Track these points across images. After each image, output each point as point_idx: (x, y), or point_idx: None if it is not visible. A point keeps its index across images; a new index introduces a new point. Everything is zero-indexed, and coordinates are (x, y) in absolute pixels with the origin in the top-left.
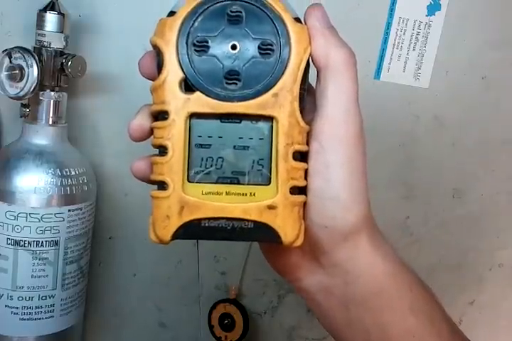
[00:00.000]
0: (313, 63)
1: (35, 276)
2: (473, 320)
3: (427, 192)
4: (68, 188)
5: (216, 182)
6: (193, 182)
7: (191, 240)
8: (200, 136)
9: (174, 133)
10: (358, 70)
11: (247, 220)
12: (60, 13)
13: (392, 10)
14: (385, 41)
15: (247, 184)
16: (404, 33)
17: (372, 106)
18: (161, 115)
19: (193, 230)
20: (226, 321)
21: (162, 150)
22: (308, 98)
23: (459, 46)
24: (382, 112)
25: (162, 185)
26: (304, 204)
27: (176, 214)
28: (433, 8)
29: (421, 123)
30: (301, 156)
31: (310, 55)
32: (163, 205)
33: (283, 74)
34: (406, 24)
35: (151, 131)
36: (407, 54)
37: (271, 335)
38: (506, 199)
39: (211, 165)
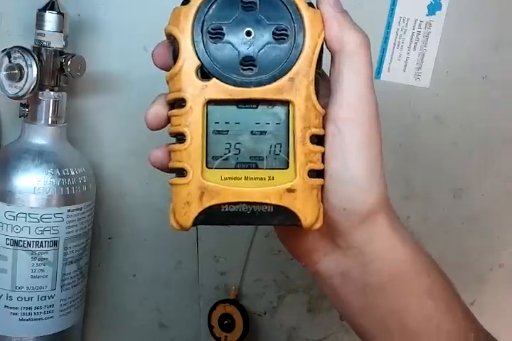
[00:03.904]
0: (328, 47)
1: (35, 277)
2: None
3: (427, 192)
4: (68, 188)
5: (235, 168)
6: (211, 168)
7: (191, 240)
8: (217, 123)
9: (192, 120)
10: None
11: (267, 204)
12: (59, 12)
13: (392, 9)
14: (386, 41)
15: (266, 168)
16: (404, 33)
17: None
18: (177, 103)
19: (213, 216)
20: (226, 321)
21: (180, 137)
22: (322, 83)
23: (460, 46)
24: (383, 112)
25: (181, 172)
26: (322, 187)
27: (197, 200)
28: (434, 8)
29: (421, 123)
30: (318, 140)
31: (324, 39)
32: (183, 192)
33: (298, 58)
34: (406, 24)
35: (168, 120)
36: (408, 53)
37: (271, 336)
38: (507, 199)
39: (229, 151)
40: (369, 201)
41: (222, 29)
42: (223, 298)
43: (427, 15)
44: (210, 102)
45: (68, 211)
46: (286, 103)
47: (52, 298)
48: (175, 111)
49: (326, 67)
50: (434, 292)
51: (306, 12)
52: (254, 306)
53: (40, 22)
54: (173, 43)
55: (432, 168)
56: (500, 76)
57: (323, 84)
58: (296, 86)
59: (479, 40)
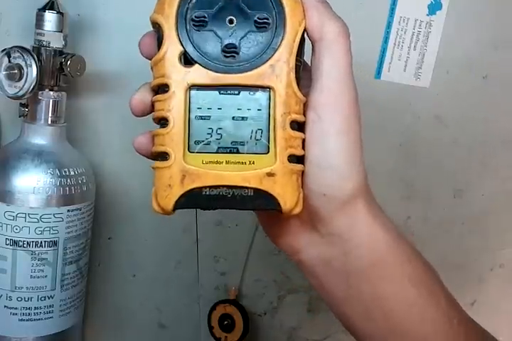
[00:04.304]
0: (308, 36)
1: (34, 277)
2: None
3: (427, 192)
4: (67, 188)
5: (216, 152)
6: (193, 152)
7: (191, 240)
8: (199, 108)
9: (174, 105)
10: (359, 70)
11: (247, 188)
12: (59, 12)
13: (392, 9)
14: (386, 40)
15: (247, 153)
16: (405, 33)
17: (373, 105)
18: (161, 88)
19: (194, 199)
20: (226, 322)
21: (163, 122)
22: (304, 73)
23: (460, 45)
24: (383, 112)
25: (164, 156)
26: (302, 173)
27: (178, 182)
28: (434, 8)
29: (421, 123)
30: (299, 127)
31: (305, 28)
32: (165, 175)
33: (279, 46)
34: (407, 23)
35: (152, 107)
36: (408, 53)
37: (271, 336)
38: (507, 199)
39: (211, 136)
40: (348, 187)
41: (205, 17)
42: (223, 298)
43: (428, 14)
44: (193, 88)
45: (68, 211)
46: (267, 89)
47: (52, 298)
48: (158, 97)
49: (308, 58)
50: (416, 279)
51: (287, 1)
52: (254, 306)
53: (39, 22)
54: (157, 31)
55: (432, 167)
56: (501, 76)
57: (304, 75)
58: (277, 73)
59: (479, 39)
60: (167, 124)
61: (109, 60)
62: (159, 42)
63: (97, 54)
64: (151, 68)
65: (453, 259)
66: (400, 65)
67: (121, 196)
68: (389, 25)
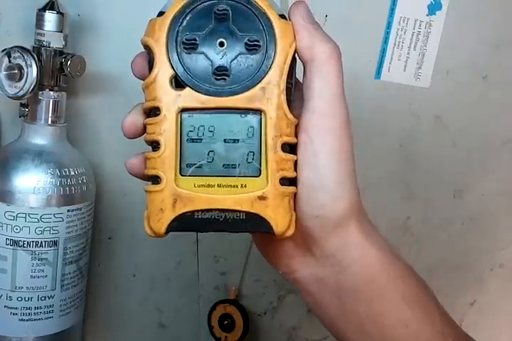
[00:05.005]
0: (299, 58)
1: (35, 277)
2: (474, 320)
3: (427, 193)
4: (67, 188)
5: (208, 175)
6: (185, 175)
7: (191, 240)
8: (191, 131)
9: (166, 128)
10: (359, 70)
11: (239, 211)
12: (59, 12)
13: (392, 9)
14: (386, 41)
15: (238, 176)
16: (404, 33)
17: (373, 105)
18: (152, 111)
19: (186, 222)
20: (226, 322)
21: (155, 145)
22: (296, 94)
23: (460, 46)
24: (383, 112)
25: (156, 179)
26: (295, 195)
27: (170, 206)
28: (434, 8)
29: (421, 123)
30: (290, 149)
31: (295, 50)
32: (157, 199)
33: (270, 69)
34: (407, 23)
35: (145, 128)
36: (408, 53)
37: (271, 336)
38: (507, 199)
39: (203, 159)
40: (340, 207)
41: (195, 40)
42: (223, 298)
43: (427, 15)
44: (184, 111)
45: (68, 211)
46: (258, 112)
47: (52, 298)
48: (150, 120)
49: (300, 78)
50: (410, 297)
51: (277, 23)
52: (255, 306)
53: (39, 22)
54: (148, 53)
55: (432, 168)
56: (501, 76)
57: (297, 94)
58: (268, 95)
59: (479, 39)
60: (159, 148)
61: (109, 60)
62: (150, 65)
63: (97, 54)
64: (143, 90)
65: (453, 259)
66: (399, 65)
67: (121, 196)
68: (389, 26)
